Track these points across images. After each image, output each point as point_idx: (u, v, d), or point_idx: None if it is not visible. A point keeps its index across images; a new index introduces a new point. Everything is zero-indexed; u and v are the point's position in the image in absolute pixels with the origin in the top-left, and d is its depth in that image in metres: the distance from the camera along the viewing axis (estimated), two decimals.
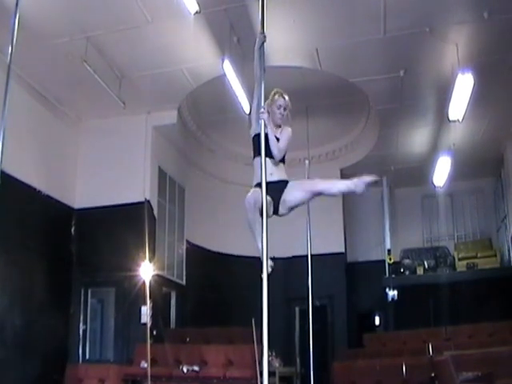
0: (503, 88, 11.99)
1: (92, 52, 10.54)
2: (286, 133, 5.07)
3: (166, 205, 14.02)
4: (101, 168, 13.09)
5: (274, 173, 4.89)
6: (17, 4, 5.52)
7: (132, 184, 12.85)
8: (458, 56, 10.42)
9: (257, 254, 4.44)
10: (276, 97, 5.16)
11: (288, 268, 14.92)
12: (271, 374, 10.98)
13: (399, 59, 11.21)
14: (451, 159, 13.79)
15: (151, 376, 9.40)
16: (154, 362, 10.25)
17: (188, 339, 12.74)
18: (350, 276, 16.45)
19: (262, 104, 4.60)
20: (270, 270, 4.25)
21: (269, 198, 4.55)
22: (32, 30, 9.62)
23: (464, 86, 10.28)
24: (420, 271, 16.29)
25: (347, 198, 16.95)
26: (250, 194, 4.70)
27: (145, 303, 10.91)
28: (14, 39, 5.35)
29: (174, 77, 11.71)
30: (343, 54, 11.09)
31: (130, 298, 11.56)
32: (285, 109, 5.13)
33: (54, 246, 12.12)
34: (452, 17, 9.81)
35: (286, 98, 5.17)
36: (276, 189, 4.82)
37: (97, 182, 12.98)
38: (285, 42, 10.51)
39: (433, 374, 9.66)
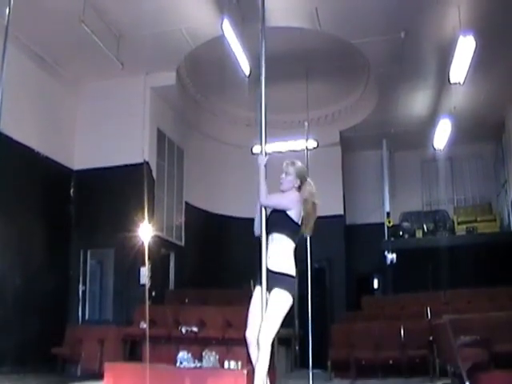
0: (505, 51, 11.86)
1: (90, 12, 10.38)
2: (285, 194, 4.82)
3: (165, 166, 14.00)
4: (99, 129, 13.05)
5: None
6: None
7: (131, 145, 12.83)
8: (459, 18, 10.29)
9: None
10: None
11: None
12: None
13: (400, 20, 11.06)
14: (452, 123, 13.71)
15: (150, 337, 9.42)
16: (152, 323, 10.30)
17: (187, 300, 12.82)
18: (348, 239, 16.48)
19: (263, 107, 4.56)
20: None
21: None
22: None
23: (465, 49, 10.16)
24: (419, 235, 16.35)
25: (346, 160, 16.99)
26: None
27: (144, 264, 10.96)
28: (11, 0, 5.27)
29: (173, 37, 11.59)
30: (343, 14, 10.93)
31: (129, 259, 11.54)
32: (286, 173, 4.91)
33: (52, 207, 12.16)
34: None
35: (284, 164, 4.94)
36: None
37: (95, 144, 12.96)
38: (284, 1, 10.38)
39: (431, 338, 9.75)
